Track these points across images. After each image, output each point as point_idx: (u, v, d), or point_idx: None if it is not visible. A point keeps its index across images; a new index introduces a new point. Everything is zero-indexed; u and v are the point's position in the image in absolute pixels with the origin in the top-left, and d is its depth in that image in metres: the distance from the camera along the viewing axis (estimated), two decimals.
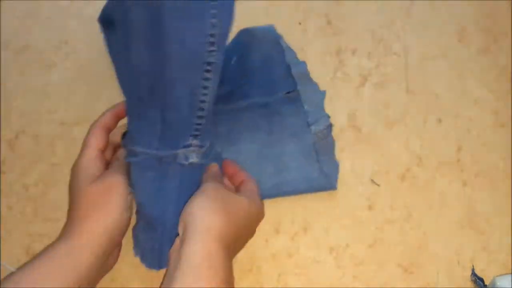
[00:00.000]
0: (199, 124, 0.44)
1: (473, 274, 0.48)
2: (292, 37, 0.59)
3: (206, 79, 0.42)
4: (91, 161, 0.46)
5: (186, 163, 0.45)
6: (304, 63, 0.58)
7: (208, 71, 0.42)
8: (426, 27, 0.62)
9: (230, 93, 0.55)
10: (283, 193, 0.52)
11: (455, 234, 0.50)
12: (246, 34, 0.57)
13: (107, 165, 0.48)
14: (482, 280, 0.47)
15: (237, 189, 0.47)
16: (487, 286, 0.47)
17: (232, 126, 0.54)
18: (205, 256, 0.38)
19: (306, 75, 0.57)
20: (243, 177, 0.48)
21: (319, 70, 0.58)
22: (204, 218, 0.40)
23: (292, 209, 0.52)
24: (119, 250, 0.48)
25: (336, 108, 0.56)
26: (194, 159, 0.45)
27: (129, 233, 0.50)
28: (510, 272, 0.47)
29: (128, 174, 0.46)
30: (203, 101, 0.43)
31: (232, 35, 0.56)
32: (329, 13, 0.62)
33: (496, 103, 0.57)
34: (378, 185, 0.53)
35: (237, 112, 0.55)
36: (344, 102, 0.57)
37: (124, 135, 0.48)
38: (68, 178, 0.54)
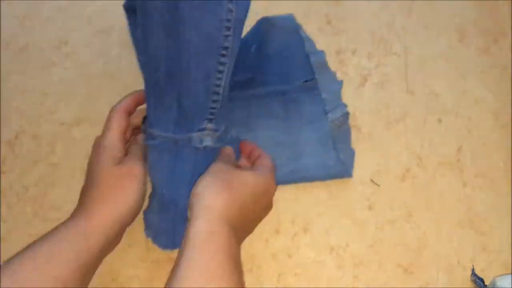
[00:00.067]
0: (214, 108, 0.45)
1: (473, 274, 0.48)
2: None
3: (221, 63, 0.43)
4: (114, 143, 0.46)
5: (201, 146, 0.46)
6: (322, 52, 0.59)
7: (223, 55, 0.43)
8: (426, 27, 0.62)
9: (249, 80, 0.56)
10: (299, 179, 0.52)
11: (455, 234, 0.50)
12: (266, 22, 0.58)
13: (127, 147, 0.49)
14: (482, 280, 0.47)
15: (252, 166, 0.48)
16: (487, 286, 0.47)
17: (250, 112, 0.55)
18: (208, 234, 0.39)
19: (324, 64, 0.58)
20: (258, 153, 0.49)
21: None
22: (205, 198, 0.41)
23: (292, 209, 0.52)
24: (123, 233, 0.48)
25: None
26: (208, 142, 0.46)
27: (129, 232, 0.50)
28: (510, 272, 0.47)
29: (146, 159, 0.47)
30: (218, 86, 0.44)
31: (252, 23, 0.57)
32: (329, 13, 0.63)
33: (496, 103, 0.57)
34: (378, 185, 0.53)
35: (255, 98, 0.56)
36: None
37: (144, 119, 0.49)
38: (68, 178, 0.54)
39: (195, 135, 0.46)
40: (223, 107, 0.46)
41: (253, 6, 0.57)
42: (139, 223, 0.51)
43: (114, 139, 0.46)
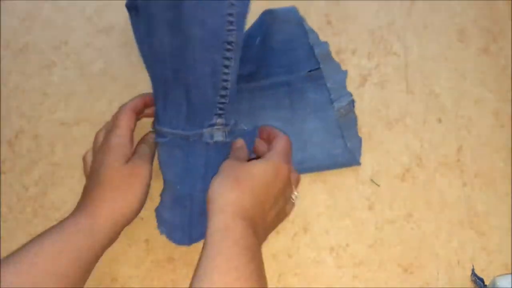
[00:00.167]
0: (223, 103, 0.46)
1: (473, 274, 0.48)
2: None
3: (227, 58, 0.44)
4: (123, 141, 0.46)
5: (212, 141, 0.46)
6: (326, 43, 0.59)
7: (228, 50, 0.43)
8: (426, 27, 0.62)
9: (253, 72, 0.56)
10: (307, 169, 0.53)
11: (455, 234, 0.50)
12: (269, 15, 0.58)
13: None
14: (482, 280, 0.47)
15: (268, 149, 0.48)
16: (487, 286, 0.47)
17: (255, 104, 0.55)
18: (223, 231, 0.40)
19: (328, 55, 0.58)
20: (274, 135, 0.49)
21: None
22: (218, 198, 0.41)
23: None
24: (121, 231, 0.48)
25: None
26: (219, 137, 0.47)
27: (129, 232, 0.50)
28: (510, 272, 0.47)
29: (152, 160, 0.48)
30: (225, 80, 0.45)
31: (255, 16, 0.57)
32: (329, 13, 0.63)
33: (496, 103, 0.57)
34: (378, 185, 0.53)
35: (260, 90, 0.56)
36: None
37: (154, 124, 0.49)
38: (68, 178, 0.54)
39: (206, 131, 0.46)
40: (232, 101, 0.46)
41: (253, 6, 0.57)
42: (139, 223, 0.51)
43: (123, 137, 0.47)
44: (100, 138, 0.49)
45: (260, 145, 0.50)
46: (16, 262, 0.39)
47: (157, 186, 0.49)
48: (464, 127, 0.55)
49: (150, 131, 0.50)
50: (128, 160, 0.46)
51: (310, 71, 0.57)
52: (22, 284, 0.37)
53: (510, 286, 0.44)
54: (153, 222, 0.49)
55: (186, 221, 0.47)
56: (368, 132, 0.55)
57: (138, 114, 0.50)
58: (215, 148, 0.47)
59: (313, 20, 0.62)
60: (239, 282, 0.37)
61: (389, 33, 0.61)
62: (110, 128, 0.48)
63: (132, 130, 0.48)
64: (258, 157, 0.47)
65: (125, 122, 0.47)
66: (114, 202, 0.44)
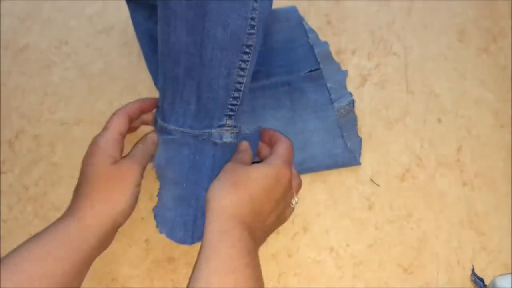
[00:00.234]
0: (234, 105, 0.46)
1: (473, 274, 0.48)
2: None
3: (244, 61, 0.44)
4: (109, 142, 0.46)
5: (220, 142, 0.47)
6: (326, 43, 0.59)
7: (246, 53, 0.44)
8: (426, 27, 0.62)
9: (254, 72, 0.56)
10: (307, 169, 0.53)
11: (455, 234, 0.50)
12: (270, 15, 0.58)
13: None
14: (482, 280, 0.47)
15: (270, 153, 0.47)
16: (487, 286, 0.47)
17: (256, 104, 0.55)
18: (221, 234, 0.40)
19: (328, 55, 0.59)
20: (276, 139, 0.48)
21: None
22: (216, 201, 0.42)
23: None
24: (115, 235, 0.48)
25: None
26: (228, 139, 0.47)
27: (129, 232, 0.50)
28: (510, 272, 0.47)
29: (148, 161, 0.48)
30: (239, 83, 0.45)
31: None
32: (329, 13, 0.63)
33: (496, 103, 0.57)
34: (378, 185, 0.53)
35: (260, 90, 0.56)
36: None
37: (156, 120, 0.49)
38: (68, 178, 0.54)
39: (215, 131, 0.46)
40: (243, 103, 0.47)
41: None
42: (139, 223, 0.51)
43: (110, 139, 0.46)
44: None
45: (263, 148, 0.50)
46: (3, 267, 0.38)
47: (157, 186, 0.48)
48: (464, 127, 0.55)
49: (149, 132, 0.50)
50: (116, 161, 0.45)
51: (310, 71, 0.57)
52: None
53: (510, 286, 0.44)
54: (153, 222, 0.49)
55: (190, 220, 0.47)
56: (368, 132, 0.55)
57: (132, 119, 0.50)
58: (221, 149, 0.47)
59: (313, 20, 0.62)
60: (236, 284, 0.37)
61: (389, 33, 0.61)
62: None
63: (122, 133, 0.47)
64: (261, 161, 0.47)
65: (114, 124, 0.47)
66: (99, 204, 0.43)
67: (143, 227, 0.50)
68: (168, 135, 0.47)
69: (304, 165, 0.52)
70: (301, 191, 0.49)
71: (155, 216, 0.48)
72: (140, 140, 0.50)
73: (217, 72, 0.44)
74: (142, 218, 0.51)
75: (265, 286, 0.48)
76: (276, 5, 0.61)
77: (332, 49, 0.60)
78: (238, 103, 0.46)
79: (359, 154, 0.53)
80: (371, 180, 0.53)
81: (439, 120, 0.56)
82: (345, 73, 0.58)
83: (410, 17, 0.62)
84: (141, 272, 0.49)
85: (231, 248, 0.39)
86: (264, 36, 0.58)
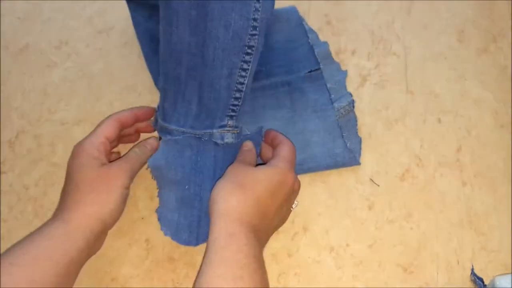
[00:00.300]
0: (236, 106, 0.46)
1: (473, 274, 0.48)
2: None
3: (246, 61, 0.44)
4: (95, 146, 0.46)
5: (222, 142, 0.47)
6: (326, 43, 0.59)
7: (248, 54, 0.44)
8: (426, 27, 0.62)
9: (254, 73, 0.56)
10: (307, 169, 0.53)
11: (455, 234, 0.50)
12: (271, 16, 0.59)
13: (110, 155, 0.49)
14: (481, 280, 0.47)
15: (273, 155, 0.47)
16: (487, 286, 0.47)
17: (256, 104, 0.55)
18: (227, 237, 0.39)
19: (328, 55, 0.59)
20: (278, 141, 0.48)
21: None
22: (221, 203, 0.41)
23: None
24: (105, 237, 0.48)
25: None
26: (229, 139, 0.47)
27: (129, 232, 0.50)
28: (510, 272, 0.47)
29: (142, 165, 0.47)
30: (241, 83, 0.45)
31: None
32: (329, 13, 0.63)
33: (496, 103, 0.57)
34: (378, 185, 0.53)
35: (261, 90, 0.56)
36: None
37: (156, 120, 0.49)
38: None
39: (216, 131, 0.47)
40: (245, 104, 0.47)
41: None
42: (139, 223, 0.51)
43: (95, 141, 0.46)
44: None
45: (265, 149, 0.50)
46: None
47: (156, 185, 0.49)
48: (464, 127, 0.55)
49: (149, 138, 0.50)
50: (103, 164, 0.45)
51: (310, 71, 0.57)
52: None
53: (509, 286, 0.44)
54: (153, 222, 0.49)
55: (195, 221, 0.47)
56: (368, 132, 0.55)
57: (124, 126, 0.50)
58: (223, 149, 0.47)
59: (313, 20, 0.62)
60: None
61: (389, 33, 0.61)
62: None
63: (108, 138, 0.47)
64: (262, 162, 0.47)
65: (102, 128, 0.47)
66: (86, 205, 0.43)
67: (143, 227, 0.50)
68: (169, 135, 0.47)
69: (304, 165, 0.52)
70: (300, 190, 0.49)
71: (159, 218, 0.47)
72: (137, 144, 0.50)
73: (219, 72, 0.44)
74: (142, 218, 0.51)
75: None
76: (276, 5, 0.60)
77: (332, 49, 0.60)
78: (240, 103, 0.46)
79: (359, 154, 0.53)
80: (371, 180, 0.53)
81: (439, 120, 0.56)
82: (345, 73, 0.58)
83: (410, 17, 0.62)
84: (141, 272, 0.49)
85: (238, 254, 0.38)
86: (264, 36, 0.58)
